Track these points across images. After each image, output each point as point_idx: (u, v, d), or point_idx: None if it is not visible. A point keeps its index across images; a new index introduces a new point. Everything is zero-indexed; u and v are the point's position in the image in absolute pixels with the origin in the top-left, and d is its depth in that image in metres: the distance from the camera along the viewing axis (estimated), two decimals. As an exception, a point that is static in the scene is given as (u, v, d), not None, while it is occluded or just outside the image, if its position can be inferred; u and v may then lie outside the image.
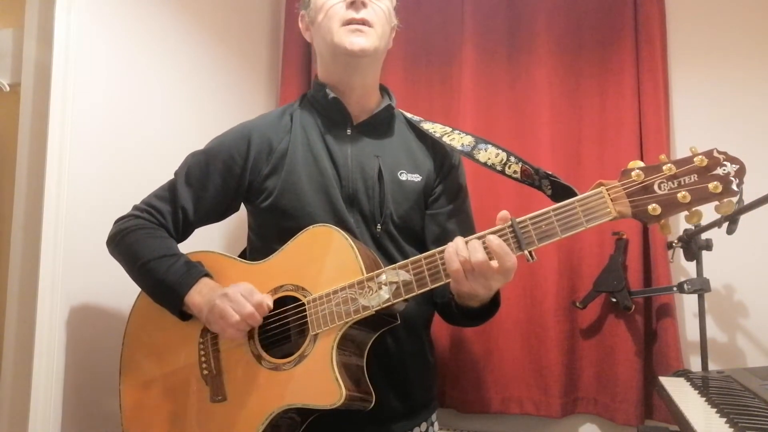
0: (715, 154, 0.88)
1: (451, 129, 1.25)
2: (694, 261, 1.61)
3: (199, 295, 1.08)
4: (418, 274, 0.99)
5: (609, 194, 0.92)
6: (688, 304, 1.77)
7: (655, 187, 0.90)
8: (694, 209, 0.89)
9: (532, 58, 1.90)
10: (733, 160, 0.88)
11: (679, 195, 0.88)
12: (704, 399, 1.18)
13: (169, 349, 1.16)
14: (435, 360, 1.29)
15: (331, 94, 1.19)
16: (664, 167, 0.90)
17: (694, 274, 1.61)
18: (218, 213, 1.24)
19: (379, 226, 1.17)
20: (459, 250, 0.94)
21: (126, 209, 1.41)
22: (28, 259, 1.24)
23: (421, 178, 1.21)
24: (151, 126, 1.53)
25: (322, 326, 1.02)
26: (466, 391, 1.80)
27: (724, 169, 0.88)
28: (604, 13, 1.88)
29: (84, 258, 1.30)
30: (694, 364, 1.72)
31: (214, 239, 1.31)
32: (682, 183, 0.89)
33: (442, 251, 0.98)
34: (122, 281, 1.41)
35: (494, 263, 0.93)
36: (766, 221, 1.54)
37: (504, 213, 0.96)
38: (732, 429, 0.96)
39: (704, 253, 1.60)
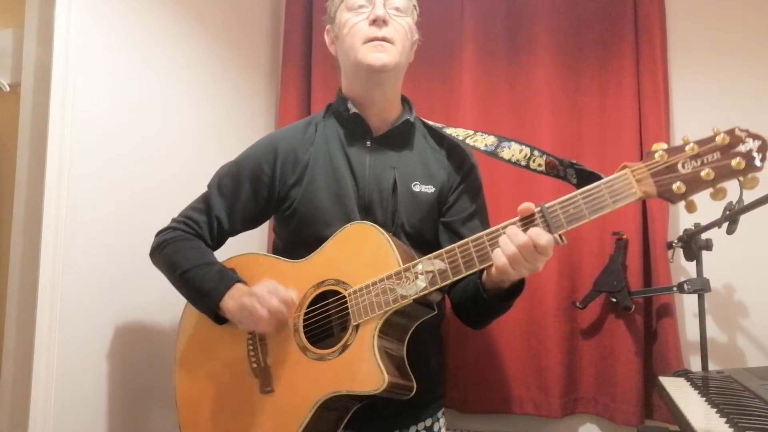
0: (737, 132, 0.90)
1: (473, 132, 1.30)
2: (694, 261, 1.61)
3: (232, 300, 1.14)
4: (452, 262, 1.03)
5: (634, 175, 0.94)
6: (688, 304, 1.77)
7: (679, 166, 0.91)
8: (718, 186, 0.89)
9: (532, 58, 1.90)
10: (756, 136, 0.89)
11: (702, 173, 0.89)
12: (704, 399, 1.18)
13: (219, 346, 1.22)
14: (442, 361, 1.34)
15: (353, 110, 1.24)
16: (687, 147, 0.91)
17: (694, 274, 1.61)
18: (251, 220, 1.30)
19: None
20: (512, 236, 0.98)
21: (126, 209, 1.42)
22: (28, 260, 1.24)
23: (434, 189, 1.25)
24: (151, 126, 1.53)
25: (363, 316, 1.07)
26: (466, 391, 1.80)
27: (747, 146, 0.89)
28: (604, 13, 1.88)
29: (84, 258, 1.30)
30: (694, 364, 1.72)
31: (251, 244, 1.32)
32: (705, 161, 0.90)
33: (476, 239, 1.02)
34: (121, 281, 1.41)
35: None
36: (766, 221, 1.54)
37: (527, 204, 0.99)
38: (732, 429, 0.96)
39: (704, 253, 1.60)
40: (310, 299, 1.15)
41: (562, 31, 1.90)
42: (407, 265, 1.06)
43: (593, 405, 1.76)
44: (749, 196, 1.43)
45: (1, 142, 1.38)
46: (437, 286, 1.04)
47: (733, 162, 0.88)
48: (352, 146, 1.26)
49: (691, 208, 0.93)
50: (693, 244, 1.60)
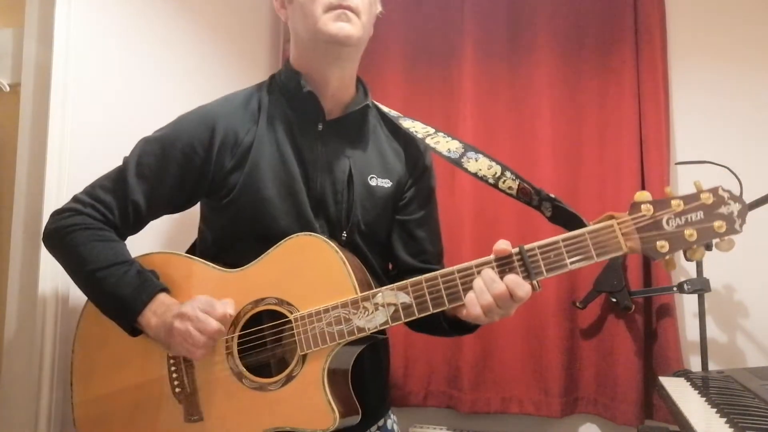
0: (720, 192, 0.89)
1: (434, 131, 1.15)
2: (694, 261, 1.61)
3: (154, 315, 0.99)
4: (419, 297, 0.94)
5: (620, 228, 0.90)
6: (688, 304, 1.77)
7: (664, 222, 0.90)
8: (697, 247, 0.90)
9: (532, 58, 1.90)
10: (737, 199, 0.89)
11: (686, 232, 0.89)
12: (704, 399, 1.18)
13: (132, 359, 1.05)
14: (389, 360, 1.24)
15: (307, 87, 1.07)
16: (673, 202, 0.90)
17: (694, 274, 1.61)
18: (174, 206, 1.13)
19: (344, 234, 1.08)
20: (488, 283, 0.90)
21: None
22: (28, 259, 1.24)
23: (391, 183, 1.13)
24: (151, 126, 1.53)
25: (311, 347, 0.96)
26: (466, 391, 1.80)
27: (728, 208, 0.89)
28: (604, 13, 1.88)
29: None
30: (694, 364, 1.72)
31: (156, 228, 1.19)
32: (689, 220, 0.89)
33: (445, 275, 0.93)
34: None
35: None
36: (766, 221, 1.54)
37: (503, 244, 0.92)
38: (732, 429, 0.96)
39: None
40: (245, 318, 1.00)
41: (562, 31, 1.90)
42: (366, 293, 0.95)
43: (593, 405, 1.76)
44: (749, 196, 1.44)
45: (1, 142, 1.37)
46: (399, 322, 0.94)
47: (716, 224, 0.88)
48: (301, 129, 1.09)
49: (669, 266, 0.92)
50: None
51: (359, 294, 0.95)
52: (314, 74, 1.09)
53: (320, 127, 1.10)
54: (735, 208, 0.89)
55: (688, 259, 0.92)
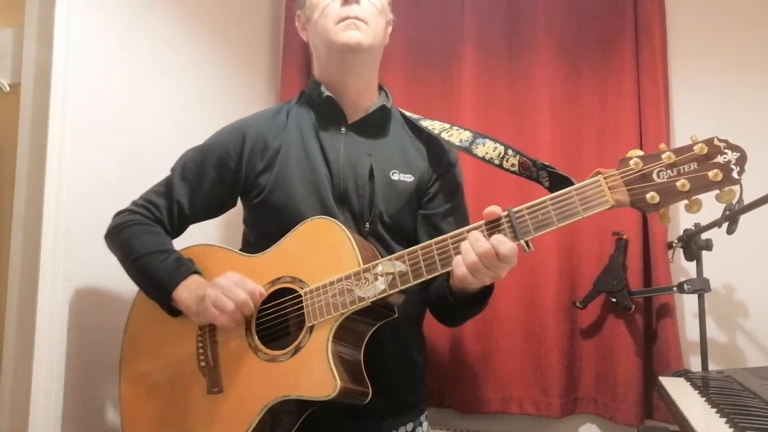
0: (716, 142, 0.86)
1: (449, 125, 1.24)
2: (694, 261, 1.61)
3: (187, 290, 1.09)
4: (414, 264, 0.99)
5: (607, 182, 0.91)
6: (688, 304, 1.77)
7: (654, 175, 0.89)
8: (694, 198, 0.87)
9: (532, 57, 1.90)
10: (734, 147, 0.86)
11: (678, 183, 0.87)
12: (704, 399, 1.18)
13: (168, 342, 1.16)
14: (425, 361, 1.27)
15: (326, 93, 1.19)
16: (663, 155, 0.88)
17: (694, 274, 1.61)
18: (214, 208, 1.26)
19: (367, 225, 1.16)
20: (473, 243, 0.93)
21: (126, 209, 1.41)
22: (28, 259, 1.24)
23: (413, 178, 1.20)
24: (151, 126, 1.54)
25: (318, 317, 1.02)
26: (466, 391, 1.80)
27: (725, 157, 0.86)
28: (604, 13, 1.88)
29: (84, 257, 1.30)
30: (694, 364, 1.72)
31: (210, 233, 1.32)
32: (682, 171, 0.87)
33: (439, 242, 0.98)
34: (122, 280, 1.41)
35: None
36: (766, 221, 1.54)
37: (493, 208, 0.95)
38: (732, 429, 0.96)
39: (704, 253, 1.60)
40: (264, 297, 1.10)
41: (562, 30, 1.90)
42: (366, 265, 1.01)
43: (593, 405, 1.76)
44: (749, 196, 1.44)
45: (1, 142, 1.38)
46: (396, 289, 0.99)
47: (710, 173, 0.85)
48: (326, 132, 1.20)
49: (663, 219, 0.91)
50: (693, 244, 1.60)
51: (362, 266, 1.01)
52: (334, 83, 1.21)
53: (343, 129, 1.21)
54: (732, 156, 0.86)
55: (687, 211, 0.89)
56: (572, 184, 0.98)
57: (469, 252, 0.93)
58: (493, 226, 0.95)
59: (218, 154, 1.20)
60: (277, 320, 1.08)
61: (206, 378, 1.10)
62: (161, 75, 1.58)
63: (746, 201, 1.43)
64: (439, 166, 1.25)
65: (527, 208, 0.94)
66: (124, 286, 1.42)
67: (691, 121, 1.83)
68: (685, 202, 0.88)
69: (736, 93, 1.80)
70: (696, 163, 0.87)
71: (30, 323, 1.21)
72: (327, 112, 1.21)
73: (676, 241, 1.66)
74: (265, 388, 1.03)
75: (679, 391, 1.28)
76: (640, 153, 0.91)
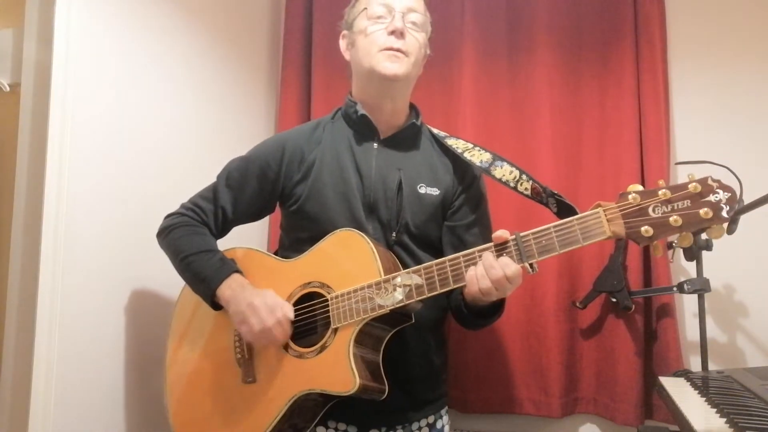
0: (709, 181, 0.93)
1: (472, 145, 1.33)
2: (694, 261, 1.61)
3: (229, 289, 1.20)
4: (429, 278, 1.10)
5: (606, 215, 1.00)
6: (688, 304, 1.77)
7: (650, 210, 0.96)
8: (684, 233, 0.95)
9: (532, 57, 1.90)
10: (726, 188, 0.93)
11: (671, 219, 0.94)
12: (704, 399, 1.18)
13: (209, 334, 1.29)
14: (444, 361, 1.37)
15: (361, 111, 1.29)
16: (660, 192, 0.95)
17: (694, 274, 1.61)
18: (254, 213, 1.37)
19: (394, 234, 1.26)
20: (488, 269, 1.04)
21: (126, 208, 1.42)
22: (28, 259, 1.24)
23: (439, 192, 1.29)
24: (151, 126, 1.53)
25: (342, 321, 1.14)
26: (466, 391, 1.80)
27: (716, 197, 0.92)
28: (604, 13, 1.88)
29: (84, 258, 1.30)
30: (694, 364, 1.72)
31: (252, 237, 1.47)
32: (676, 208, 0.94)
33: (453, 259, 1.09)
34: (121, 281, 1.41)
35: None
36: (766, 221, 1.54)
37: (503, 232, 1.06)
38: (732, 429, 0.96)
39: (704, 253, 1.60)
40: (296, 298, 1.21)
41: (562, 30, 1.90)
42: (387, 276, 1.12)
43: (593, 405, 1.76)
44: (749, 196, 1.44)
45: (1, 142, 1.38)
46: (412, 300, 1.10)
47: (702, 211, 0.92)
48: (360, 146, 1.30)
49: (656, 251, 0.98)
50: (693, 244, 1.60)
51: (382, 277, 1.13)
52: (370, 103, 1.30)
53: (375, 144, 1.30)
54: (723, 196, 0.92)
55: (676, 246, 0.98)
56: (575, 211, 1.11)
57: (484, 278, 1.04)
58: (501, 249, 1.06)
59: (260, 165, 1.31)
60: (307, 320, 1.20)
61: (241, 369, 1.23)
62: (161, 75, 1.58)
63: (746, 201, 1.43)
64: (464, 181, 1.34)
65: (533, 233, 1.05)
66: (124, 285, 1.43)
67: (690, 121, 1.83)
68: (677, 235, 0.96)
69: (736, 93, 1.80)
70: (689, 201, 0.94)
71: (30, 323, 1.21)
72: (361, 128, 1.31)
73: (675, 241, 1.66)
74: (293, 380, 1.16)
75: (679, 391, 1.28)
76: (639, 188, 0.98)
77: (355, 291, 1.14)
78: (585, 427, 1.81)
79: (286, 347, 1.19)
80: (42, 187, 1.23)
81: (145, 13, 1.52)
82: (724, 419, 1.01)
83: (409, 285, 1.10)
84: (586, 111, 1.87)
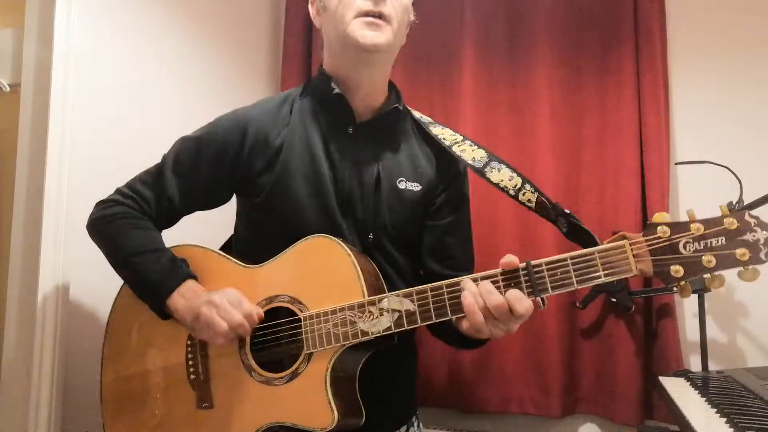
0: (747, 217, 0.83)
1: (462, 138, 1.15)
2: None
3: (182, 298, 1.03)
4: (422, 305, 0.94)
5: (632, 250, 0.87)
6: (688, 304, 1.77)
7: (681, 246, 0.85)
8: (716, 273, 0.83)
9: (532, 57, 1.90)
10: (764, 225, 0.82)
11: (704, 258, 0.83)
12: (704, 399, 1.18)
13: (155, 346, 1.11)
14: (416, 365, 1.26)
15: (336, 90, 1.09)
16: (692, 226, 0.84)
17: (694, 274, 1.61)
18: (207, 203, 1.17)
19: (371, 236, 1.09)
20: (485, 295, 0.89)
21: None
22: (28, 259, 1.24)
23: (420, 187, 1.13)
24: (151, 125, 1.53)
25: (317, 346, 0.98)
26: (466, 390, 1.80)
27: (754, 235, 0.82)
28: (604, 13, 1.88)
29: (84, 257, 1.30)
30: (694, 364, 1.72)
31: (198, 222, 1.24)
32: (709, 245, 0.83)
33: (450, 285, 0.93)
34: (121, 280, 1.41)
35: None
36: (766, 221, 1.54)
37: (512, 258, 0.90)
38: (732, 429, 0.96)
39: (704, 253, 1.59)
40: (262, 319, 1.04)
41: (562, 31, 1.90)
42: (372, 298, 0.96)
43: (593, 405, 1.76)
44: (750, 196, 1.44)
45: (1, 142, 1.38)
46: (402, 329, 0.94)
47: (738, 252, 0.81)
48: (332, 132, 1.11)
49: (684, 293, 0.87)
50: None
51: (366, 298, 0.96)
52: (345, 78, 1.11)
53: (350, 129, 1.11)
54: (762, 235, 0.81)
55: (708, 285, 0.85)
56: (592, 238, 0.96)
57: (477, 311, 0.89)
58: (509, 278, 0.91)
59: (215, 148, 1.10)
60: (272, 340, 1.03)
61: (195, 391, 1.06)
62: (161, 74, 1.58)
63: (746, 201, 1.43)
64: (448, 175, 1.17)
65: (546, 263, 0.90)
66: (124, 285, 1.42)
67: (691, 120, 1.83)
68: (708, 276, 0.84)
69: (736, 92, 1.80)
70: (725, 238, 0.83)
71: (30, 323, 1.21)
72: (335, 109, 1.11)
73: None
74: (258, 410, 1.00)
75: (679, 391, 1.28)
76: (667, 218, 0.87)
77: (334, 312, 0.97)
78: (585, 426, 1.81)
79: (249, 370, 1.02)
80: (42, 187, 1.23)
81: (145, 12, 1.52)
82: (724, 419, 1.01)
83: (399, 311, 0.94)
84: (586, 111, 1.87)
